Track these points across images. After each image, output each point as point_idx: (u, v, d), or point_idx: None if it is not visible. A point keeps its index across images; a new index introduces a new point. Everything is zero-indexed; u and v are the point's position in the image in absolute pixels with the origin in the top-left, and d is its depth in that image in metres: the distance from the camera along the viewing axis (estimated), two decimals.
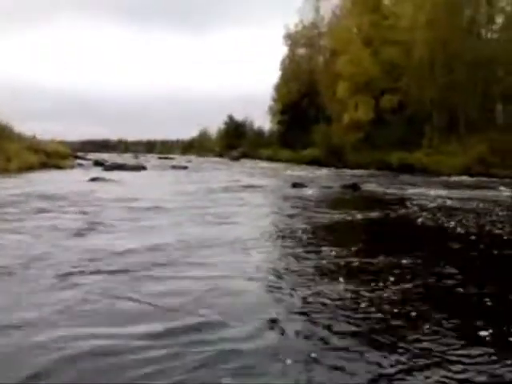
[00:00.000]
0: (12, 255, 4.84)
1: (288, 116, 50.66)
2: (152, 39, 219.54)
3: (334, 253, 5.08)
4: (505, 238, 6.36)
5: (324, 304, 3.44)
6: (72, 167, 26.13)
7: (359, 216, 7.99)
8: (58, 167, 24.54)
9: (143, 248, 5.13)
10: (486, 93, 30.55)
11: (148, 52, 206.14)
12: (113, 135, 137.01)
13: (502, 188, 15.39)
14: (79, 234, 6.02)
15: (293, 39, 52.36)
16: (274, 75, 78.28)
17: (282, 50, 54.34)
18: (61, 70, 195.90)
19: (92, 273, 4.19)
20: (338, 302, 3.51)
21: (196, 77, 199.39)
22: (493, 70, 29.56)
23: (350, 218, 7.63)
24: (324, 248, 5.36)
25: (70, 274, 4.13)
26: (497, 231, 6.85)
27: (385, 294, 3.67)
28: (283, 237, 6.03)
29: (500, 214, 8.91)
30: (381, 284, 3.95)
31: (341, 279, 4.11)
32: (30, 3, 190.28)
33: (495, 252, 5.47)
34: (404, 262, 4.74)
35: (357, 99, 36.09)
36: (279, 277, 4.20)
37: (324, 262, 4.74)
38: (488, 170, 22.71)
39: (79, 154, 40.38)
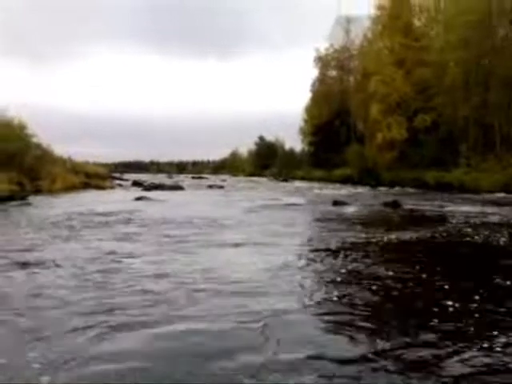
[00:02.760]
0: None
1: (319, 136, 51.04)
2: (180, 65, 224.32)
3: (384, 271, 5.36)
4: None
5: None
6: (112, 187, 26.95)
7: (405, 233, 8.21)
8: (99, 187, 25.41)
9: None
10: None
11: (176, 77, 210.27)
12: (143, 156, 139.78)
13: None
14: (157, 250, 6.48)
15: (323, 62, 53.06)
16: (303, 96, 79.19)
17: (313, 73, 55.04)
18: (92, 95, 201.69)
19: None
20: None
21: (224, 100, 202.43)
22: None
23: (396, 236, 7.79)
24: (376, 265, 5.64)
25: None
26: None
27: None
28: (338, 254, 6.10)
29: None
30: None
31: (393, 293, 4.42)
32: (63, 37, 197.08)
33: None
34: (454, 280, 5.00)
35: (390, 119, 36.24)
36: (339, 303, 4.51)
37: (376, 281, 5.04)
38: None
39: (115, 175, 41.55)
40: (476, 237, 7.88)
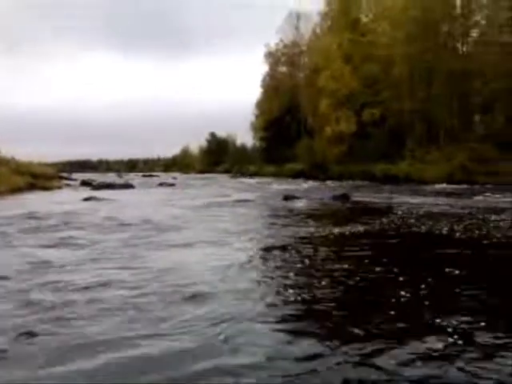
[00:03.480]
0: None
1: (270, 132, 51.34)
2: (129, 63, 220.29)
3: (333, 261, 5.41)
4: (485, 240, 6.81)
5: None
6: (60, 188, 26.10)
7: (355, 226, 8.31)
8: (46, 188, 24.53)
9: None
10: (464, 104, 31.55)
11: (125, 75, 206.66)
12: (92, 155, 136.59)
13: (485, 194, 16.02)
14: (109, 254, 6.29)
15: (274, 57, 53.37)
16: (254, 92, 79.47)
17: (263, 68, 55.30)
18: (33, 92, 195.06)
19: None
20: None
21: (176, 95, 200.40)
22: (469, 83, 30.54)
23: (346, 229, 7.87)
24: (327, 257, 5.71)
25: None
26: (480, 234, 7.31)
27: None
28: (290, 250, 6.05)
29: (484, 218, 9.40)
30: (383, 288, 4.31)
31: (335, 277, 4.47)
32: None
33: (481, 252, 5.93)
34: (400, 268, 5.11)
35: (338, 113, 36.90)
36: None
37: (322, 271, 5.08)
38: (470, 178, 23.47)
39: (63, 174, 40.31)
40: (422, 227, 8.09)
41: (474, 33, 33.93)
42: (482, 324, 3.19)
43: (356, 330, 3.11)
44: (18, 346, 2.91)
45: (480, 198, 15.16)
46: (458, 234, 7.26)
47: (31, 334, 3.07)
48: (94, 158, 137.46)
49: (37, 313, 3.52)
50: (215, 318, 3.34)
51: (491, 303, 3.77)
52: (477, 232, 7.45)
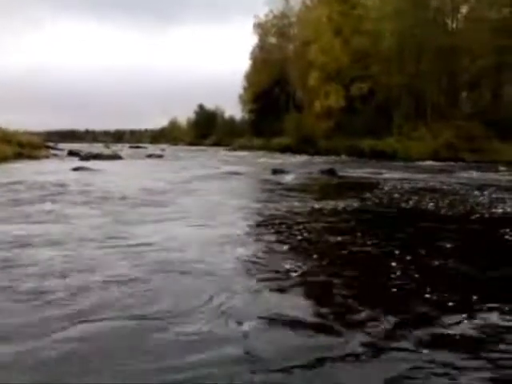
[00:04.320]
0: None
1: (259, 104, 51.13)
2: (116, 32, 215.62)
3: (319, 234, 5.63)
4: (468, 215, 7.09)
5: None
6: (47, 157, 25.97)
7: (341, 200, 8.55)
8: (33, 157, 24.40)
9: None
10: (451, 81, 31.71)
11: (113, 44, 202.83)
12: (78, 125, 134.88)
13: (470, 171, 16.37)
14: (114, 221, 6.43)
15: (263, 29, 52.77)
16: (244, 64, 78.70)
17: (252, 40, 54.72)
18: (25, 61, 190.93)
19: None
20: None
21: (164, 66, 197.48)
22: (458, 59, 30.65)
23: (333, 203, 8.08)
24: (314, 230, 5.92)
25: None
26: (463, 209, 7.59)
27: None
28: (280, 225, 6.07)
29: (467, 194, 9.71)
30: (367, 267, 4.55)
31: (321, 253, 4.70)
32: None
33: (464, 226, 6.20)
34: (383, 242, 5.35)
35: (328, 87, 36.81)
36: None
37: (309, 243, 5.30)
38: (456, 155, 23.84)
39: (49, 144, 39.92)
40: (409, 202, 8.37)
41: (464, 9, 33.90)
42: (469, 295, 3.44)
43: (349, 305, 3.24)
44: None
45: (465, 174, 15.50)
46: (441, 210, 7.52)
47: None
48: (81, 128, 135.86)
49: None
50: (210, 295, 3.30)
51: (474, 275, 4.02)
52: (460, 207, 7.72)
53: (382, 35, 33.21)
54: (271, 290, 3.48)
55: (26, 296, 3.28)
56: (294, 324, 2.88)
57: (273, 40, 53.36)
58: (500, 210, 7.44)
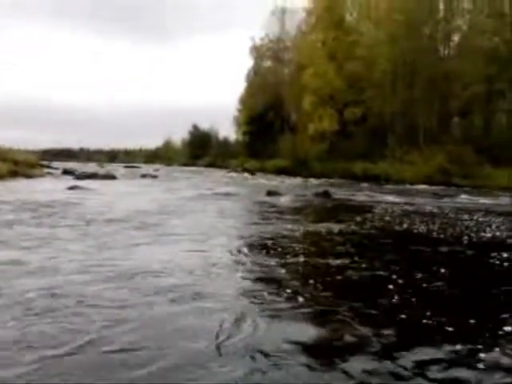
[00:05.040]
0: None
1: (254, 127, 51.59)
2: (111, 50, 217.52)
3: (311, 256, 5.73)
4: (459, 239, 7.24)
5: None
6: (42, 176, 25.97)
7: (337, 223, 8.68)
8: (28, 176, 24.42)
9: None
10: (443, 107, 32.26)
11: (107, 62, 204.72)
12: (72, 144, 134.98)
13: (462, 196, 16.60)
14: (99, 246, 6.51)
15: (258, 52, 53.57)
16: (238, 86, 79.42)
17: (248, 63, 55.59)
18: (13, 76, 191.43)
19: None
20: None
21: (158, 86, 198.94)
22: (450, 86, 31.22)
23: (328, 226, 8.15)
24: (305, 254, 6.01)
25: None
26: (454, 233, 7.74)
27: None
28: (275, 248, 6.11)
29: (458, 218, 9.88)
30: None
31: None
32: None
33: (456, 249, 6.34)
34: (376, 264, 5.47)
35: (321, 111, 37.32)
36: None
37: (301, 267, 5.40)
38: (448, 180, 24.13)
39: (43, 162, 39.94)
40: (403, 225, 8.52)
41: (456, 37, 34.67)
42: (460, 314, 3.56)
43: (349, 329, 3.35)
44: None
45: (456, 199, 15.71)
46: (433, 233, 7.66)
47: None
48: (75, 146, 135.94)
49: None
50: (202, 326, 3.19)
51: (465, 297, 4.15)
52: (450, 231, 7.87)
53: (376, 61, 33.86)
54: (270, 317, 3.39)
55: None
56: (306, 352, 2.94)
57: (268, 64, 54.15)
58: (489, 235, 7.59)
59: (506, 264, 5.38)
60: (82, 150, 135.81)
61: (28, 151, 44.55)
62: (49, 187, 17.01)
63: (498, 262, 5.46)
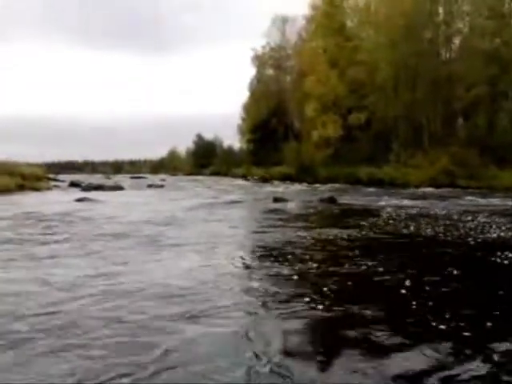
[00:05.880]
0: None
1: (258, 134, 51.72)
2: (114, 62, 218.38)
3: (319, 262, 5.84)
4: (466, 240, 7.33)
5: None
6: (49, 189, 26.20)
7: (343, 227, 8.80)
8: (35, 189, 24.64)
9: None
10: (447, 109, 32.33)
11: (109, 74, 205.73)
12: (76, 156, 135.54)
13: (467, 197, 16.66)
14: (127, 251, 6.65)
15: (260, 61, 53.84)
16: (241, 95, 79.81)
17: (250, 71, 55.95)
18: (18, 92, 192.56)
19: None
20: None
21: (161, 98, 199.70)
22: (453, 88, 31.30)
23: (335, 231, 8.27)
24: (314, 258, 6.12)
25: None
26: (459, 234, 7.84)
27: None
28: (284, 255, 6.24)
29: (463, 219, 9.96)
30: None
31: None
32: None
33: (461, 251, 6.44)
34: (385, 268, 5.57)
35: (325, 117, 37.42)
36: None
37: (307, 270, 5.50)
38: (453, 181, 24.18)
39: (49, 175, 40.22)
40: (410, 228, 8.64)
41: (457, 39, 34.78)
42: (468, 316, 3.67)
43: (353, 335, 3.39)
44: None
45: (461, 201, 15.77)
46: (439, 235, 7.77)
47: None
48: (79, 159, 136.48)
49: None
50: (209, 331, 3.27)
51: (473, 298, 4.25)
52: (455, 233, 7.98)
53: (378, 66, 33.98)
54: (283, 328, 3.38)
55: None
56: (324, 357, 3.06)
57: (270, 72, 54.39)
58: (494, 235, 7.69)
59: (509, 263, 5.49)
60: (86, 162, 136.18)
61: (33, 164, 44.93)
62: (57, 199, 17.18)
63: (505, 262, 5.57)
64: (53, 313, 3.68)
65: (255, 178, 38.95)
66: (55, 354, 2.91)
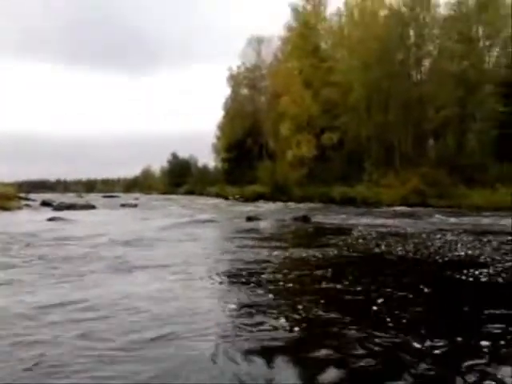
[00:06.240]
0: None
1: (233, 154, 51.98)
2: (86, 80, 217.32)
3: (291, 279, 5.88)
4: (434, 258, 7.47)
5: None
6: (19, 208, 25.70)
7: (316, 246, 8.88)
8: (5, 209, 24.13)
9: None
10: (418, 130, 33.05)
11: (82, 93, 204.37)
12: (48, 175, 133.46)
13: (436, 215, 16.96)
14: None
15: (235, 80, 54.35)
16: (217, 114, 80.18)
17: (226, 91, 56.35)
18: None
19: None
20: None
21: (136, 116, 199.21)
22: (423, 109, 32.04)
23: (308, 250, 8.28)
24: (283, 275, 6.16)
25: None
26: (429, 253, 7.98)
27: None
28: (256, 275, 6.22)
29: (433, 237, 10.14)
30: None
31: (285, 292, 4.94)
32: None
33: (428, 268, 6.56)
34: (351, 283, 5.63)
35: (299, 137, 37.85)
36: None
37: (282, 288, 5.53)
38: (424, 200, 24.60)
39: (20, 194, 39.46)
40: (381, 247, 8.75)
41: (427, 62, 35.71)
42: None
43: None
44: None
45: (431, 219, 16.03)
46: (409, 253, 7.89)
47: None
48: (51, 178, 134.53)
49: None
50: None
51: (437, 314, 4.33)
52: (424, 251, 8.11)
53: (351, 87, 34.62)
54: (256, 350, 3.36)
55: None
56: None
57: (245, 91, 54.87)
58: (461, 253, 7.84)
59: (475, 280, 5.62)
60: (58, 181, 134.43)
61: (4, 183, 44.00)
62: (27, 219, 16.89)
63: (470, 279, 5.69)
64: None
65: (236, 197, 38.87)
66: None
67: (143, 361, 3.14)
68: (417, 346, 3.37)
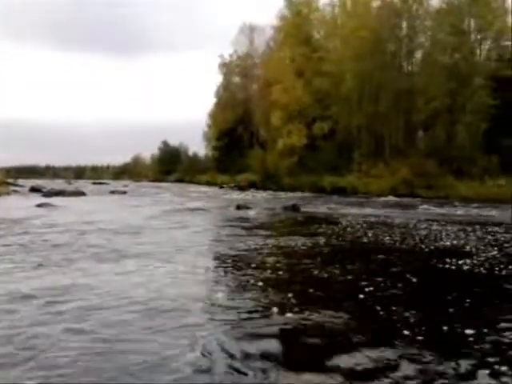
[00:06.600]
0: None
1: (223, 142, 51.87)
2: (78, 65, 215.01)
3: (279, 266, 5.96)
4: (420, 247, 7.59)
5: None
6: (8, 194, 25.53)
7: (304, 235, 8.98)
8: None
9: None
10: (408, 121, 33.21)
11: (73, 78, 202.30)
12: (37, 161, 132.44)
13: (424, 206, 17.16)
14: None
15: (227, 68, 54.11)
16: (208, 102, 79.80)
17: (217, 79, 56.13)
18: None
19: None
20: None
21: (127, 103, 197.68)
22: (414, 100, 32.17)
23: (296, 239, 8.37)
24: (272, 263, 6.24)
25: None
26: (415, 242, 8.11)
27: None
28: (247, 263, 6.34)
29: (420, 227, 10.28)
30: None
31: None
32: None
33: (413, 258, 6.68)
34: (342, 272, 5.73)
35: (290, 126, 37.81)
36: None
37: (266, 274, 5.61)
38: (412, 191, 24.84)
39: (9, 180, 39.17)
40: (368, 235, 8.89)
41: (419, 53, 35.80)
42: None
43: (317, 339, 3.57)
44: None
45: (419, 210, 16.22)
46: (396, 243, 8.01)
47: None
48: (41, 163, 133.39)
49: None
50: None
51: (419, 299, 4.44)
52: (410, 241, 8.24)
53: (343, 77, 34.62)
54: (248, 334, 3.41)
55: None
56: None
57: (237, 80, 54.68)
58: (447, 243, 7.99)
59: (458, 269, 5.75)
60: (47, 167, 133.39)
61: None
62: (16, 205, 16.79)
63: (453, 268, 5.82)
64: None
65: (231, 185, 38.65)
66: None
67: (130, 352, 3.07)
68: (405, 332, 3.45)
